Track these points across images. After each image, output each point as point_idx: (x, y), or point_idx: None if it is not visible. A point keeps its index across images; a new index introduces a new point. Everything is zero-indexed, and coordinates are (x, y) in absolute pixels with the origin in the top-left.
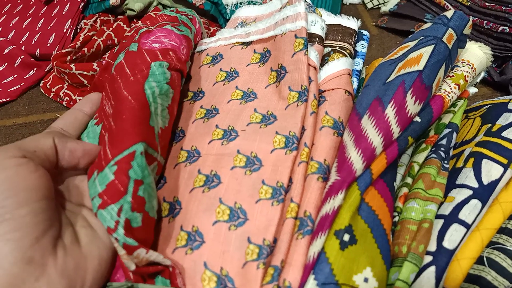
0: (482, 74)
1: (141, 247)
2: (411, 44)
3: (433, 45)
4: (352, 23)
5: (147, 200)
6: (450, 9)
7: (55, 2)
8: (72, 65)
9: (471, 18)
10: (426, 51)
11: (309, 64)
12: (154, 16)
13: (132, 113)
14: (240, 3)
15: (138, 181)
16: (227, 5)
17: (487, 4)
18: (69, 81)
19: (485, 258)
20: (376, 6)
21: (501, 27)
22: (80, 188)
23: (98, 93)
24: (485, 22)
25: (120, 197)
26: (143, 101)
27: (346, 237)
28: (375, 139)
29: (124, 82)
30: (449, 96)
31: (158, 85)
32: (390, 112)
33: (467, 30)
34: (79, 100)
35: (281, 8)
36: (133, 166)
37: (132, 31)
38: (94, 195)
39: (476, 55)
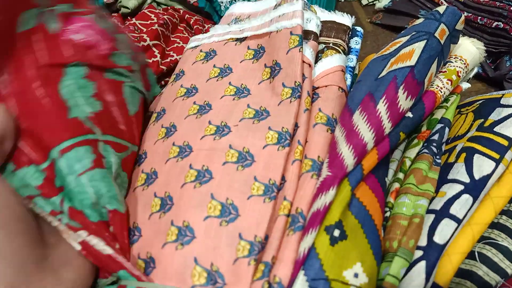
0: (475, 70)
1: (83, 230)
2: (403, 39)
3: (425, 41)
4: (346, 19)
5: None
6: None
7: None
8: None
9: (465, 13)
10: (418, 46)
11: (303, 61)
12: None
13: (47, 116)
14: (235, 0)
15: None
16: (222, 2)
17: None
18: None
19: (476, 253)
20: (371, 3)
21: (495, 23)
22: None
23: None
24: (479, 17)
25: (57, 192)
26: (58, 101)
27: (336, 233)
28: (367, 134)
29: (39, 79)
30: (441, 92)
31: (75, 81)
32: (381, 107)
33: (459, 26)
34: None
35: (276, 5)
36: (56, 175)
37: None
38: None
39: (469, 50)
